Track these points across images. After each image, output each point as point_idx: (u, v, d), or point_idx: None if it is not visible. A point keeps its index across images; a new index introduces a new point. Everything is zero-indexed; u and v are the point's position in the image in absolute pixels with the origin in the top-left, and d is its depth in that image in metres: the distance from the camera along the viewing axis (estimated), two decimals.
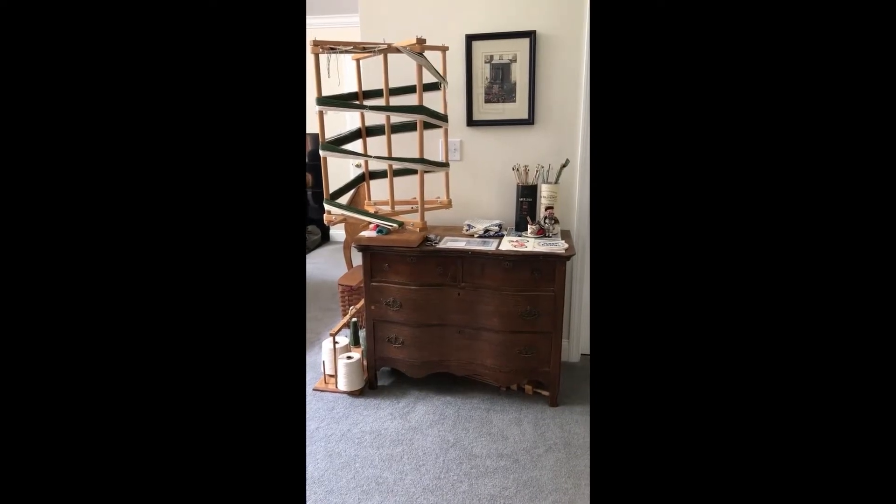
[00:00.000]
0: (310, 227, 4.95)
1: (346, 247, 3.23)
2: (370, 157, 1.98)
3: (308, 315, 3.17)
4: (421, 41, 1.76)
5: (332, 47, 1.76)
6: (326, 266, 4.26)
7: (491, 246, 2.05)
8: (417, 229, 2.03)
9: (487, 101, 2.34)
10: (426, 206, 2.18)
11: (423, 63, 1.80)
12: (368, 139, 2.29)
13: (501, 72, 2.30)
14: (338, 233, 5.15)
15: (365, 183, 2.33)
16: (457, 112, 2.37)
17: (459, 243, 2.10)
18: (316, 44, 1.77)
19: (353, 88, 4.35)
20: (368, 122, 2.28)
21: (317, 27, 4.56)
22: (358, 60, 2.20)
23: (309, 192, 5.04)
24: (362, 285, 2.81)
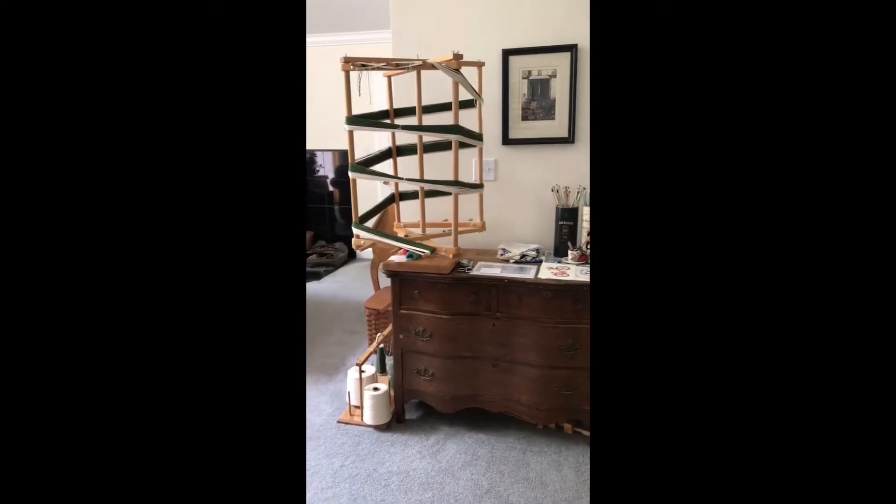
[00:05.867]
0: (336, 245, 4.89)
1: (374, 267, 3.13)
2: (402, 179, 1.87)
3: (332, 339, 3.07)
4: (458, 57, 1.65)
5: (364, 64, 1.67)
6: (352, 285, 4.17)
7: (529, 273, 1.91)
8: (451, 255, 1.91)
9: (524, 118, 2.21)
10: (458, 228, 2.05)
11: (459, 80, 1.69)
12: (398, 158, 2.19)
13: (540, 88, 2.17)
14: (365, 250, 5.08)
15: (394, 204, 2.22)
16: (492, 130, 2.25)
17: (494, 270, 1.96)
18: (347, 60, 1.68)
19: (383, 106, 4.29)
20: (398, 142, 2.18)
21: (347, 44, 4.53)
22: (389, 77, 2.10)
23: (336, 208, 4.99)
24: (390, 309, 2.69)
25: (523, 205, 2.31)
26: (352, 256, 5.03)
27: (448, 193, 1.95)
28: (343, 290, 4.04)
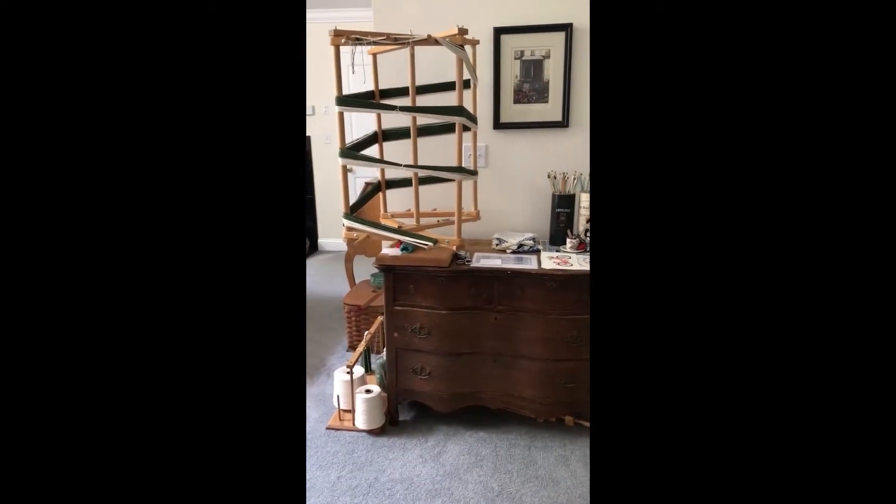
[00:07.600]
0: None
1: (349, 260, 2.96)
2: (401, 165, 1.72)
3: (307, 337, 2.88)
4: (463, 32, 1.52)
5: (359, 38, 1.50)
6: (318, 279, 3.96)
7: (531, 264, 1.83)
8: (454, 247, 1.79)
9: (517, 101, 2.12)
10: (452, 218, 1.93)
11: (463, 57, 1.56)
12: (384, 144, 2.03)
13: (533, 69, 2.07)
14: (327, 241, 4.83)
15: (381, 193, 2.07)
16: (482, 113, 2.14)
17: (494, 261, 1.86)
18: (338, 34, 1.50)
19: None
20: (385, 125, 2.02)
21: (322, 21, 4.22)
22: (374, 56, 1.94)
23: None
24: (372, 305, 2.55)
25: (516, 192, 2.22)
26: (314, 249, 4.79)
27: (444, 180, 1.82)
28: (309, 284, 3.82)
